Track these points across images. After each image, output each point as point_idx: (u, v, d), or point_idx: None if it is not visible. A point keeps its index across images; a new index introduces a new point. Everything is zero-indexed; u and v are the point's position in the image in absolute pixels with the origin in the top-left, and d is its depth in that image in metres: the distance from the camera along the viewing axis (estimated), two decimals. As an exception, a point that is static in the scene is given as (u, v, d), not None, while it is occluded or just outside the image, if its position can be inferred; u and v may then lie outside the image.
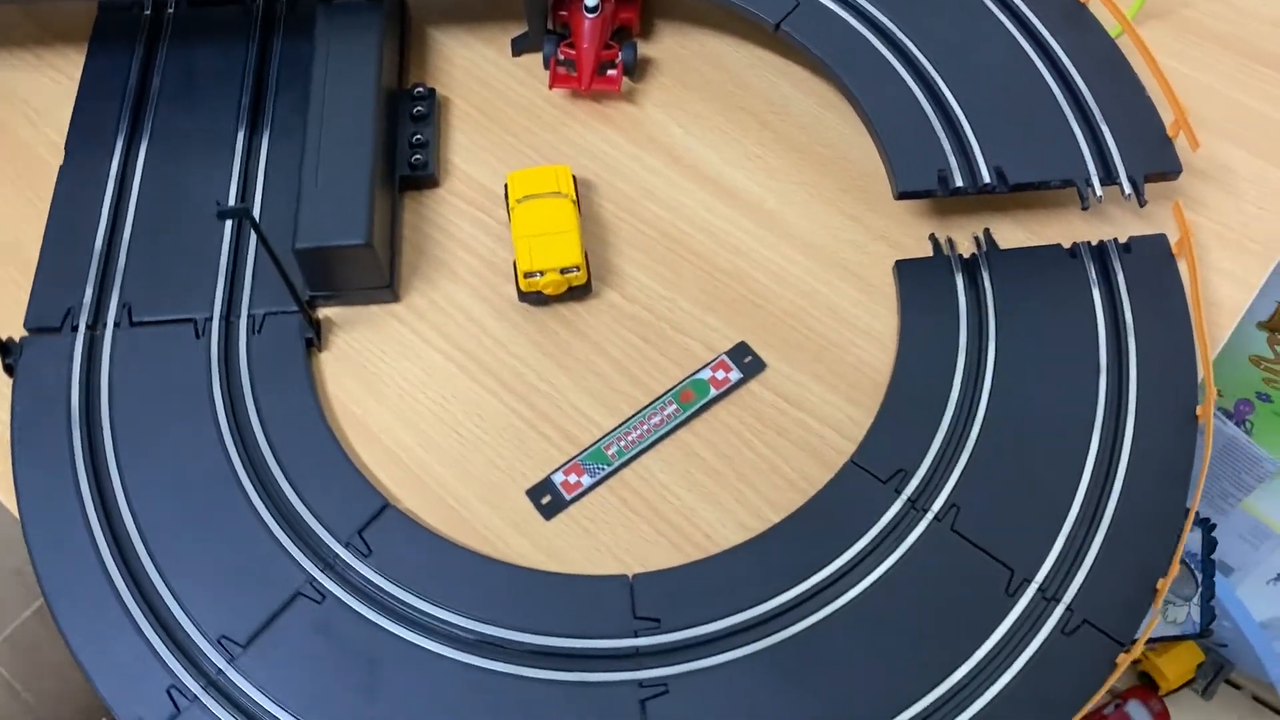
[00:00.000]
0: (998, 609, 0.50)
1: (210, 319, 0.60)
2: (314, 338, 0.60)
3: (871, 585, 0.51)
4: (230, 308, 0.61)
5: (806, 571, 0.51)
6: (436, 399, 0.59)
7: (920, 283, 0.59)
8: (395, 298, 0.62)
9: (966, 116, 0.60)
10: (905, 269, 0.60)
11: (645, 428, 0.57)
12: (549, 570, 0.52)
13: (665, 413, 0.57)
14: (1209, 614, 0.79)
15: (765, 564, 0.52)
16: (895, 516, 0.53)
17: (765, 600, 0.51)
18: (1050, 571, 0.51)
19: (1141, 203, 0.58)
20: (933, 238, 0.61)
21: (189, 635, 0.51)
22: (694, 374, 0.58)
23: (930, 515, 0.52)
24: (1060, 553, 0.52)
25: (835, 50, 0.63)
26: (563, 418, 0.58)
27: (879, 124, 0.60)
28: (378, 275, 0.60)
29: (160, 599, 0.52)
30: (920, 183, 0.58)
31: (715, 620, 0.50)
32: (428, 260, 0.63)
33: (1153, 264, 0.59)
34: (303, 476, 0.55)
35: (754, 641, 0.50)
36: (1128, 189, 0.58)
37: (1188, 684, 0.94)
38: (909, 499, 0.53)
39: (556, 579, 0.52)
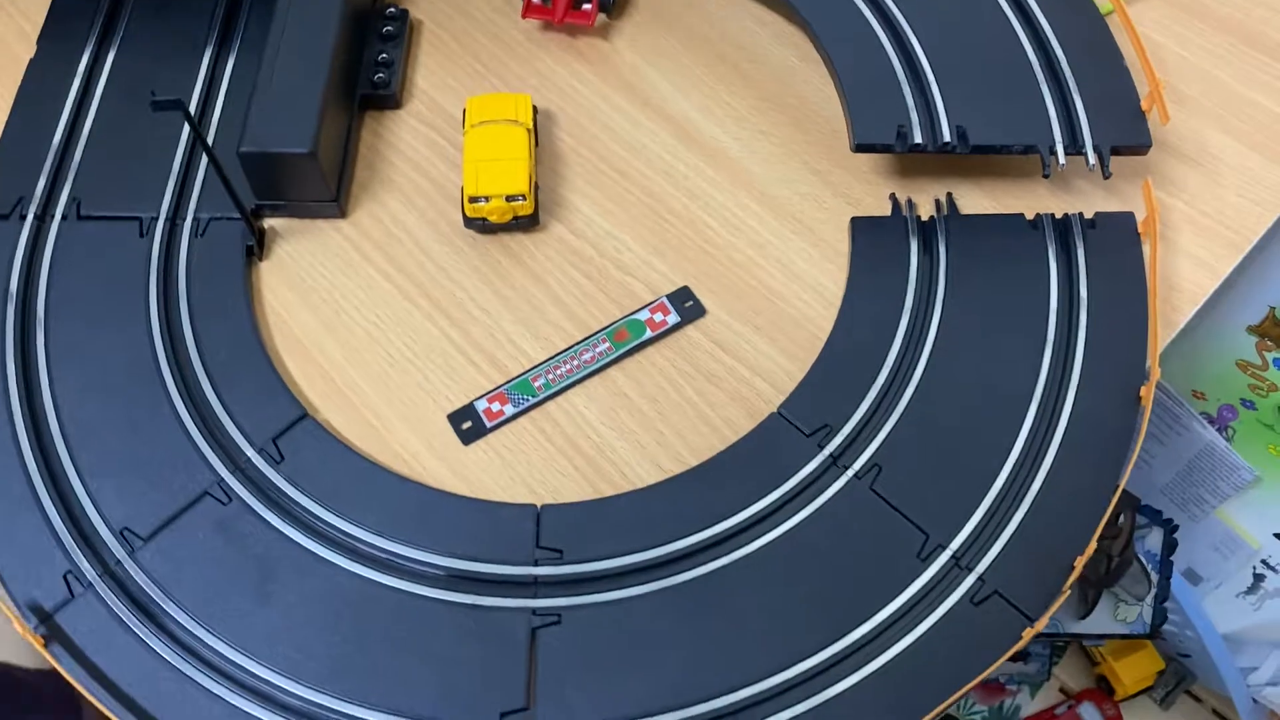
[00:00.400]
0: (908, 572, 0.49)
1: (156, 219, 0.60)
2: (255, 246, 0.59)
3: (780, 536, 0.50)
4: (177, 210, 0.60)
5: (715, 517, 0.50)
6: (371, 318, 0.58)
7: (874, 241, 0.58)
8: (341, 213, 0.61)
9: (935, 74, 0.58)
10: (860, 226, 0.58)
11: (575, 363, 0.56)
12: (459, 494, 0.52)
13: (598, 350, 0.56)
14: (1161, 615, 0.77)
15: (676, 505, 0.51)
16: (815, 471, 0.51)
17: (671, 541, 0.50)
18: (967, 540, 0.50)
19: (1106, 174, 0.56)
20: (892, 197, 0.59)
21: (93, 524, 0.51)
22: (632, 314, 0.57)
23: (850, 473, 0.51)
24: (979, 523, 0.50)
25: None
26: (495, 346, 0.57)
27: (843, 73, 0.58)
28: (323, 188, 0.59)
29: (69, 485, 0.52)
30: (878, 136, 0.56)
31: (617, 557, 0.49)
32: (380, 180, 0.62)
33: (1116, 241, 0.57)
34: (226, 380, 0.55)
35: (654, 581, 0.49)
36: (1092, 159, 0.56)
37: (1147, 691, 0.92)
38: (831, 454, 0.51)
39: (464, 502, 0.51)
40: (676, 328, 0.57)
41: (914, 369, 0.54)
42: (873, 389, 0.53)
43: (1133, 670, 0.90)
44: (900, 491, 0.51)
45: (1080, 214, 0.58)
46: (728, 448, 0.52)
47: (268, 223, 0.61)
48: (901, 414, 0.53)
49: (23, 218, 0.60)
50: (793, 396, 0.53)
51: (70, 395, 0.54)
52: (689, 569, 0.49)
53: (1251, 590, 0.89)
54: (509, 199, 0.57)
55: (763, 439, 0.52)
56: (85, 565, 0.50)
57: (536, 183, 0.60)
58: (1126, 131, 0.57)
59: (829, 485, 0.51)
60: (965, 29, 0.60)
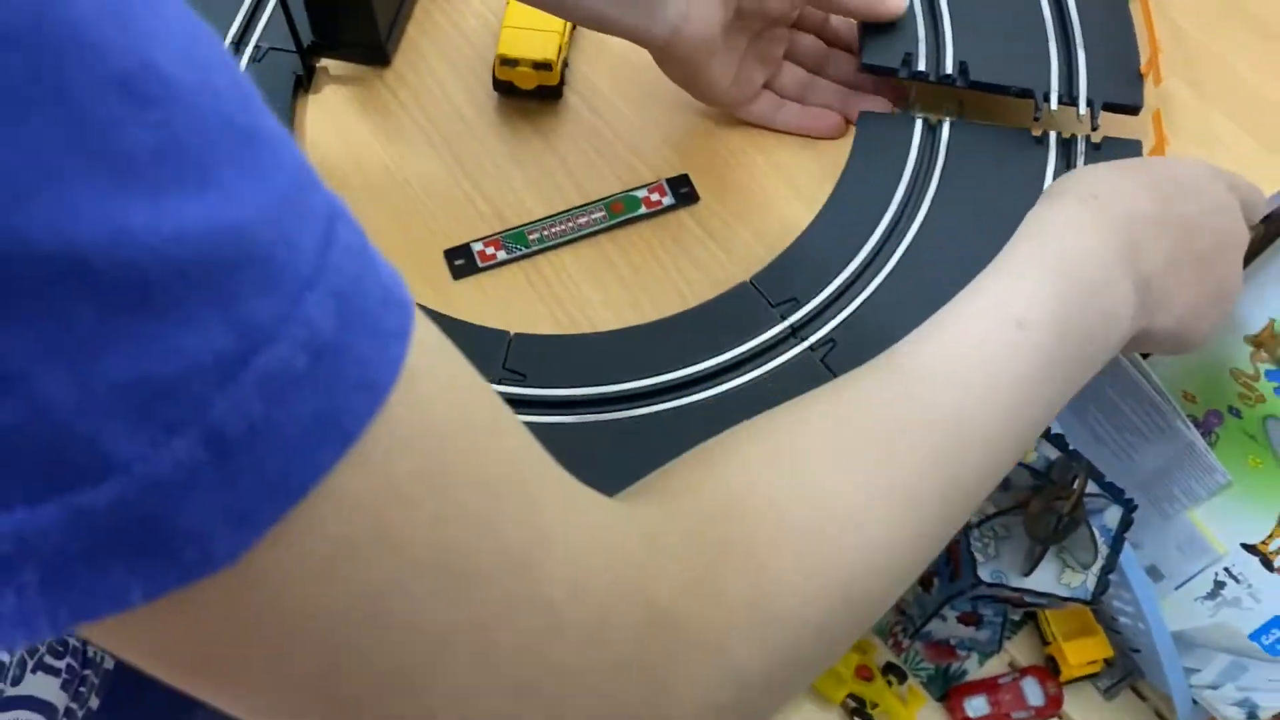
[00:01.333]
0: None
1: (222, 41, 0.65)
2: (303, 77, 0.64)
3: (728, 391, 0.53)
4: (244, 36, 0.66)
5: (672, 365, 0.54)
6: (395, 156, 0.63)
7: (877, 135, 0.60)
8: (386, 61, 0.66)
9: (949, 7, 0.61)
10: (866, 120, 0.61)
11: (571, 225, 0.60)
12: (436, 310, 0.56)
13: (593, 216, 0.60)
14: (1104, 585, 0.79)
15: (638, 348, 0.54)
16: (773, 338, 0.55)
17: (626, 381, 0.53)
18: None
19: (1094, 125, 0.59)
20: (909, 80, 0.61)
21: None
22: (631, 190, 0.61)
23: (806, 344, 0.54)
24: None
25: None
26: (501, 199, 0.61)
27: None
28: (373, 33, 0.64)
29: None
30: (886, 59, 0.59)
31: (574, 387, 0.53)
32: (429, 38, 0.67)
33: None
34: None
35: (606, 412, 0.53)
36: (1083, 109, 0.59)
37: (1093, 679, 0.94)
38: (791, 325, 0.55)
39: (440, 319, 0.56)
40: (670, 209, 0.61)
41: (888, 260, 0.56)
42: (844, 271, 0.56)
43: (1080, 653, 0.92)
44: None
45: (1088, 135, 0.60)
46: (697, 305, 0.56)
47: (323, 62, 0.66)
48: (866, 299, 0.55)
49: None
50: (766, 269, 0.57)
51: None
52: (639, 407, 0.53)
53: (1211, 596, 0.90)
54: (536, 66, 0.62)
55: (730, 304, 0.56)
56: None
57: (567, 59, 0.64)
58: (1122, 91, 0.59)
59: (783, 353, 0.54)
60: None
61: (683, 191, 0.61)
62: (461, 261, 0.59)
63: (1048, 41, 0.60)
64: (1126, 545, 0.75)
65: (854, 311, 0.55)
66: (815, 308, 0.55)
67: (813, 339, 0.54)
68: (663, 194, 0.61)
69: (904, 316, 0.53)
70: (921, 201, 0.58)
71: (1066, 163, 0.59)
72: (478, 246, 0.59)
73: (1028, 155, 0.59)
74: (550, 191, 0.61)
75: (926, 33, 0.60)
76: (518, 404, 0.53)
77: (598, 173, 0.62)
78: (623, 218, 0.60)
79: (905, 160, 0.59)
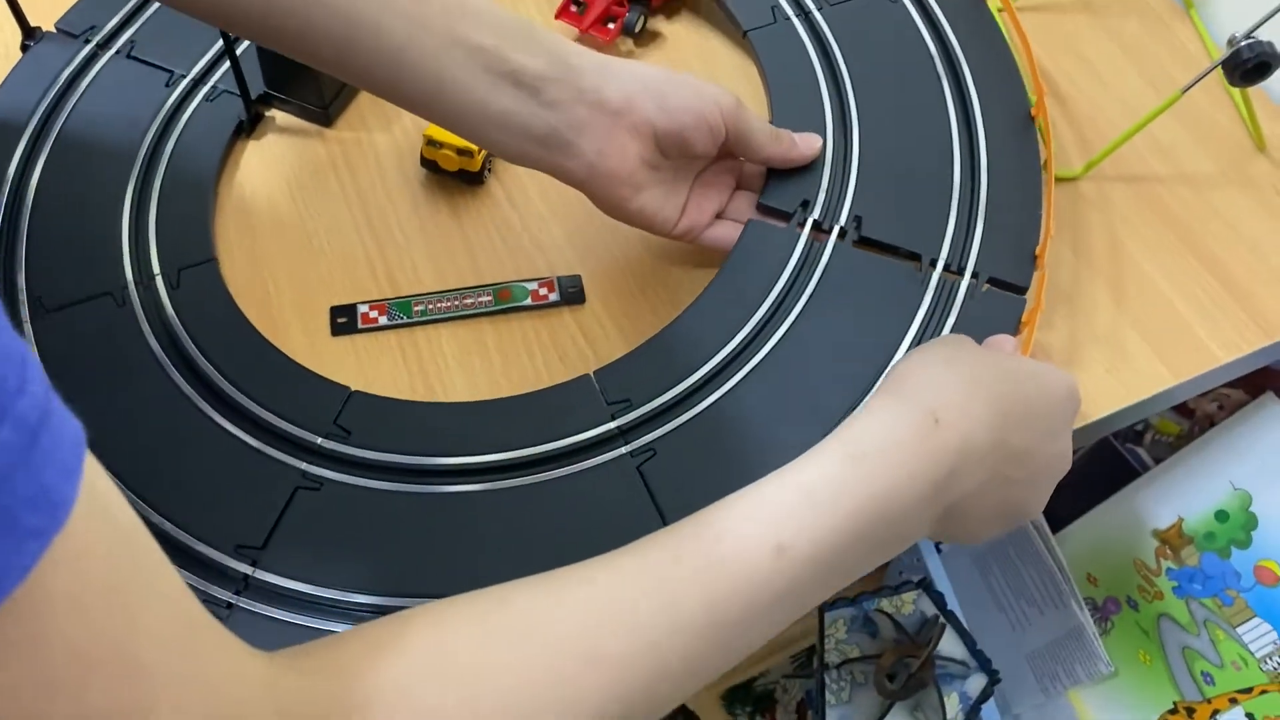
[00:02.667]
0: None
1: (185, 75, 0.69)
2: (246, 122, 0.68)
3: (542, 482, 0.53)
4: (206, 75, 0.70)
5: (494, 447, 0.54)
6: (311, 208, 0.66)
7: (758, 244, 0.61)
8: (328, 122, 0.70)
9: (860, 163, 0.63)
10: (752, 229, 0.61)
11: (456, 303, 0.62)
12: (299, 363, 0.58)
13: (480, 299, 0.63)
14: (952, 754, 0.78)
15: (465, 427, 0.55)
16: (597, 435, 0.55)
17: (442, 456, 0.54)
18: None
19: (974, 296, 0.59)
20: (801, 204, 0.62)
21: (208, 555, 0.52)
22: (523, 281, 0.64)
23: (627, 449, 0.54)
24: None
25: (780, 72, 0.67)
26: (399, 267, 0.64)
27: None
28: (319, 94, 0.68)
29: (170, 536, 0.52)
30: (782, 202, 0.61)
31: (391, 453, 0.54)
32: (375, 108, 0.71)
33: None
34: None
35: (415, 484, 0.54)
36: (967, 280, 0.59)
37: None
38: (619, 426, 0.55)
39: (290, 369, 0.58)
40: (553, 305, 0.63)
41: (732, 376, 0.56)
42: (686, 380, 0.56)
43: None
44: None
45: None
46: (536, 390, 0.57)
47: (271, 111, 0.70)
48: (698, 413, 0.55)
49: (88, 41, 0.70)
50: (611, 365, 0.57)
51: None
52: (448, 484, 0.53)
53: (1085, 783, 0.88)
54: (460, 152, 0.64)
55: (568, 394, 0.56)
56: (217, 590, 0.51)
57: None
58: (1011, 269, 0.60)
59: (604, 453, 0.54)
60: (907, 127, 0.65)
61: (571, 290, 0.63)
62: (344, 320, 0.61)
63: (950, 208, 0.61)
64: (998, 714, 0.75)
65: (683, 423, 0.55)
66: (646, 413, 0.55)
67: (635, 444, 0.55)
68: (551, 290, 0.63)
69: (730, 439, 0.55)
70: (784, 318, 0.58)
71: (944, 303, 0.58)
72: (363, 308, 0.62)
73: (906, 288, 0.59)
74: (447, 268, 0.64)
75: (830, 182, 0.62)
76: (338, 461, 0.54)
77: (497, 259, 0.65)
78: (507, 305, 0.62)
79: (780, 272, 0.59)
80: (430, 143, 0.65)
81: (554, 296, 0.63)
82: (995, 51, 0.68)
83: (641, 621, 0.37)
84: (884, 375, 0.51)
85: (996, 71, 0.67)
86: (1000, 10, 0.70)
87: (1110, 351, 0.63)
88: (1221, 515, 0.81)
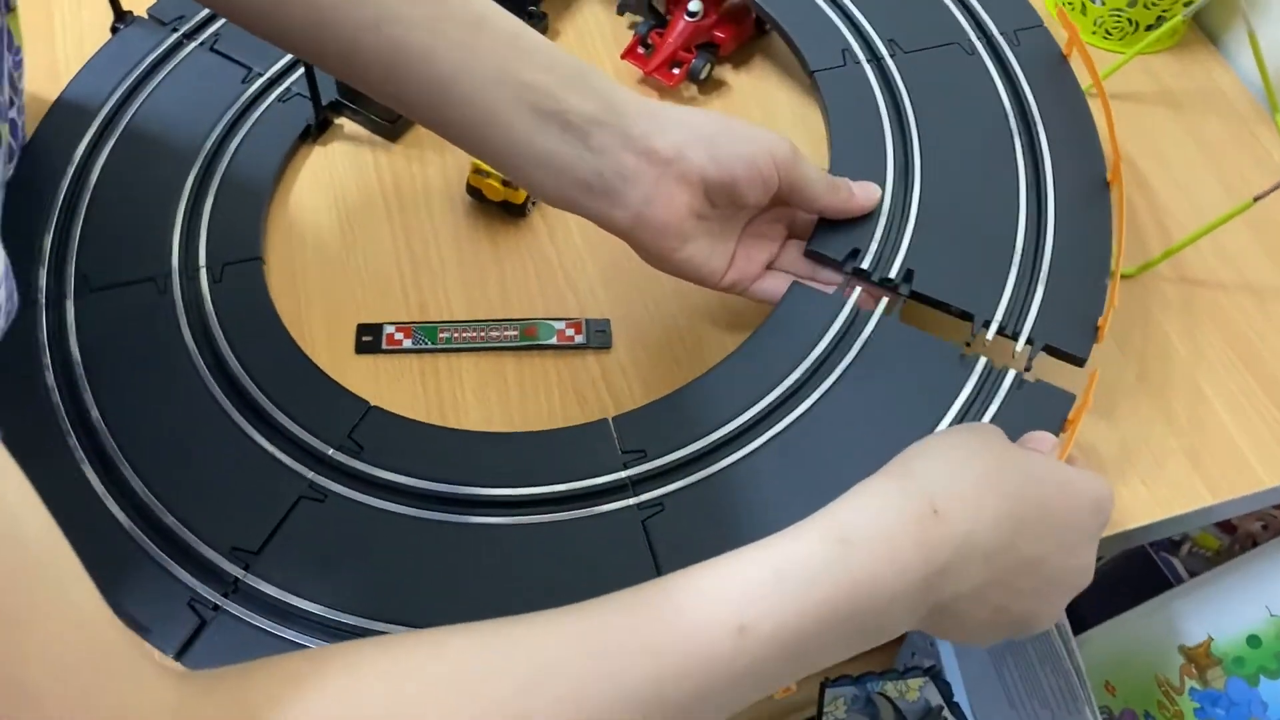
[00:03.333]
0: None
1: (262, 74, 0.71)
2: (313, 127, 0.70)
3: (544, 523, 0.53)
4: (283, 75, 0.71)
5: (503, 481, 0.54)
6: (355, 222, 0.67)
7: (800, 308, 0.59)
8: (394, 138, 0.71)
9: (919, 214, 0.62)
10: (795, 292, 0.59)
11: (482, 335, 0.63)
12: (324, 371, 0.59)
13: (506, 333, 0.63)
14: None
15: (477, 457, 0.55)
16: (607, 483, 0.54)
17: (450, 484, 0.54)
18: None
19: (1027, 367, 0.56)
20: (850, 254, 0.60)
21: (202, 554, 0.52)
22: (551, 319, 0.64)
23: (634, 500, 0.53)
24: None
25: (844, 115, 0.67)
26: (430, 292, 0.64)
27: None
28: (386, 109, 0.69)
29: (170, 529, 0.53)
30: (831, 249, 0.60)
31: (399, 474, 0.55)
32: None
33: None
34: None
35: (419, 509, 0.54)
36: (1020, 346, 0.58)
37: None
38: (630, 476, 0.54)
39: (317, 377, 0.58)
40: (579, 348, 0.63)
41: (752, 440, 0.55)
42: (705, 438, 0.55)
43: None
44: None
45: (1020, 373, 0.57)
46: (555, 429, 0.56)
47: (340, 119, 0.71)
48: (711, 474, 0.54)
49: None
50: (631, 413, 0.56)
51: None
52: (452, 513, 0.53)
53: None
54: (504, 183, 0.65)
55: (585, 437, 0.56)
56: (206, 591, 0.51)
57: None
58: (1069, 338, 0.57)
59: (610, 502, 0.53)
60: (972, 183, 0.63)
61: (599, 334, 0.63)
62: (369, 339, 0.62)
63: (1009, 270, 0.59)
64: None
65: (694, 482, 0.54)
66: (659, 466, 0.54)
67: (644, 497, 0.54)
68: (579, 332, 0.63)
69: (740, 506, 0.53)
70: (815, 389, 0.56)
71: (987, 391, 0.56)
72: (389, 329, 0.63)
73: (948, 371, 0.56)
74: (478, 298, 0.64)
75: (885, 231, 0.60)
76: (346, 475, 0.55)
77: (529, 294, 0.65)
78: (532, 342, 0.63)
79: (818, 340, 0.58)
80: (477, 170, 0.66)
81: (580, 339, 0.63)
82: (1074, 115, 0.66)
83: (582, 692, 0.36)
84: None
85: (1074, 135, 0.65)
86: (1090, 90, 0.68)
87: (1148, 460, 0.61)
88: (1254, 640, 0.78)
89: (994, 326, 0.57)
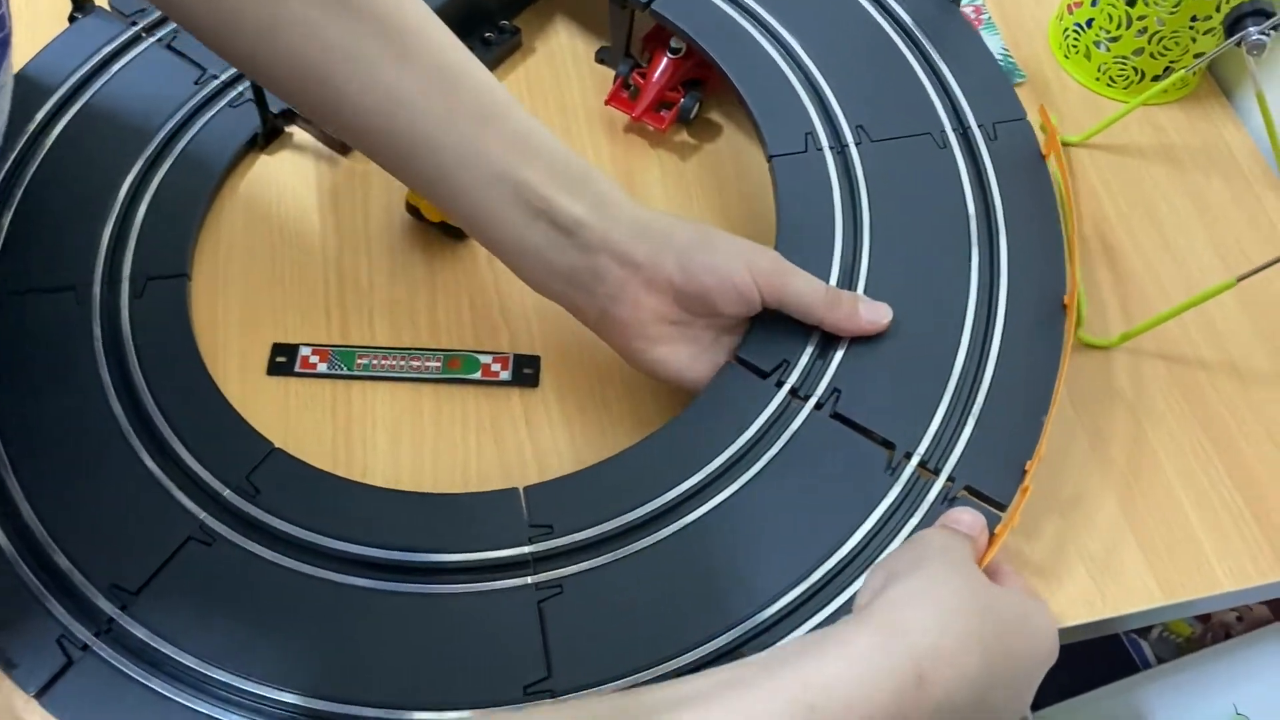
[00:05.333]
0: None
1: (216, 76, 0.69)
2: (260, 135, 0.67)
3: (427, 595, 0.51)
4: (238, 79, 0.69)
5: (395, 543, 0.52)
6: (288, 234, 0.65)
7: (731, 390, 0.56)
8: (345, 151, 0.68)
9: (851, 344, 0.58)
10: (727, 372, 0.57)
11: (402, 363, 0.60)
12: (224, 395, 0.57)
13: (428, 364, 0.60)
14: None
15: (378, 516, 0.53)
16: (507, 558, 0.52)
17: (339, 540, 0.52)
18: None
19: (949, 501, 0.53)
20: (777, 365, 0.57)
21: (78, 587, 0.50)
22: (476, 352, 0.61)
23: (528, 580, 0.51)
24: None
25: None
26: (355, 314, 0.62)
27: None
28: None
29: (48, 556, 0.51)
30: (759, 359, 0.57)
31: (292, 523, 0.52)
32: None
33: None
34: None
35: (300, 563, 0.52)
36: (941, 482, 0.54)
37: None
38: (532, 553, 0.52)
39: (217, 405, 0.56)
40: (503, 384, 0.60)
41: (654, 532, 0.52)
42: (606, 523, 0.52)
43: None
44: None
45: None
46: (455, 494, 0.54)
47: (292, 128, 0.69)
48: (613, 560, 0.52)
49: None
50: (540, 486, 0.54)
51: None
52: (336, 573, 0.51)
53: None
54: (443, 206, 0.62)
55: (487, 505, 0.53)
56: (78, 628, 0.49)
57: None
58: (992, 481, 0.54)
59: (504, 579, 0.51)
60: (918, 298, 0.59)
61: (526, 372, 0.60)
62: (283, 359, 0.60)
63: (941, 400, 0.56)
64: None
65: (598, 566, 0.51)
66: (565, 545, 0.52)
67: (544, 576, 0.51)
68: (505, 367, 0.60)
69: (642, 596, 0.51)
70: (735, 479, 0.54)
71: (912, 499, 0.53)
72: (305, 351, 0.60)
73: (875, 476, 0.54)
74: (404, 324, 0.62)
75: (818, 345, 0.57)
76: (238, 520, 0.52)
77: (459, 324, 0.62)
78: (455, 375, 0.60)
79: (744, 429, 0.55)
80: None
81: (505, 375, 0.60)
82: (1042, 227, 0.61)
83: None
84: (869, 590, 0.46)
85: (1037, 250, 0.60)
86: (1046, 153, 0.64)
87: (1100, 551, 0.56)
88: (1218, 737, 0.73)
89: (915, 459, 0.54)
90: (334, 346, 0.60)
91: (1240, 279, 0.56)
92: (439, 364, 0.60)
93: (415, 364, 0.60)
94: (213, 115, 0.68)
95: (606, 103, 0.70)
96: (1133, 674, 0.76)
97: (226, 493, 0.53)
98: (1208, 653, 0.73)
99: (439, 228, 0.64)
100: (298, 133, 0.69)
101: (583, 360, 0.61)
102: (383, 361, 0.60)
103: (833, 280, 0.59)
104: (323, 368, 0.60)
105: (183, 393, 0.57)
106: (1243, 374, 0.63)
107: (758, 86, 0.66)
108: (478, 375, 0.60)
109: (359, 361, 0.60)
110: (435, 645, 0.49)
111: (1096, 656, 0.79)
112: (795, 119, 0.64)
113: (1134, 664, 0.78)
